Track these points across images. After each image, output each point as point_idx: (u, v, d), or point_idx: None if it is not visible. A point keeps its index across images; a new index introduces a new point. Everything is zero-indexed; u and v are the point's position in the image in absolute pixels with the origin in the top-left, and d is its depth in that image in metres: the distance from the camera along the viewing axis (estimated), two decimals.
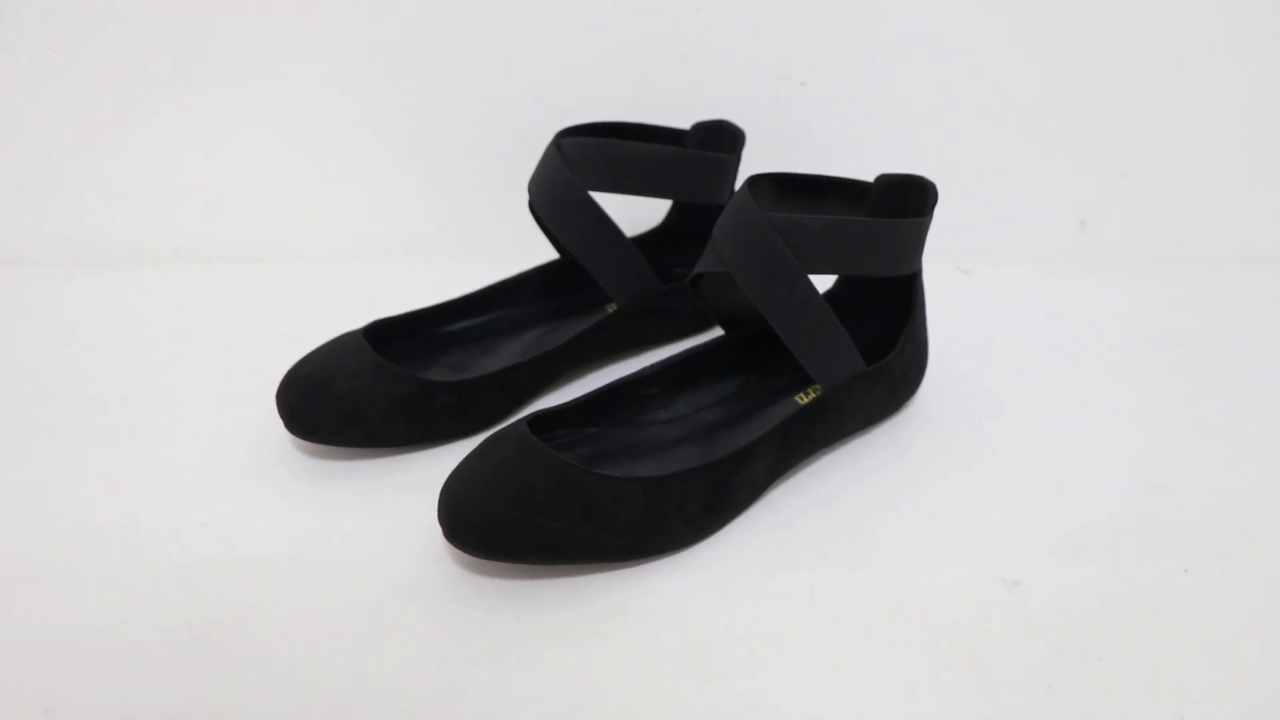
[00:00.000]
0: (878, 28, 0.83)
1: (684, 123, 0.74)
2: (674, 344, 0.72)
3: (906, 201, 0.58)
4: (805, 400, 0.60)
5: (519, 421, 0.52)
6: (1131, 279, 0.83)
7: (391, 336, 0.64)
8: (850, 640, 0.46)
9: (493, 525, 0.47)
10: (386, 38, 0.85)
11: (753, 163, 0.72)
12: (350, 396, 0.56)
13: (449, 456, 0.59)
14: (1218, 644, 0.46)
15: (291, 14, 0.84)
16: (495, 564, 0.50)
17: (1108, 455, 0.60)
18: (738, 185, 0.69)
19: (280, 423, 0.60)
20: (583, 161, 0.62)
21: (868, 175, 0.86)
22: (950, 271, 0.85)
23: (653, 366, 0.58)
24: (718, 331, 0.74)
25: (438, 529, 0.52)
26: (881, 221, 0.55)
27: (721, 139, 0.68)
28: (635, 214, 0.71)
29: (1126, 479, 0.58)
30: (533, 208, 0.68)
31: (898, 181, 0.59)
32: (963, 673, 0.45)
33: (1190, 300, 0.80)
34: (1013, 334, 0.75)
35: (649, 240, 0.75)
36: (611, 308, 0.71)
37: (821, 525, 0.54)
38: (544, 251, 0.80)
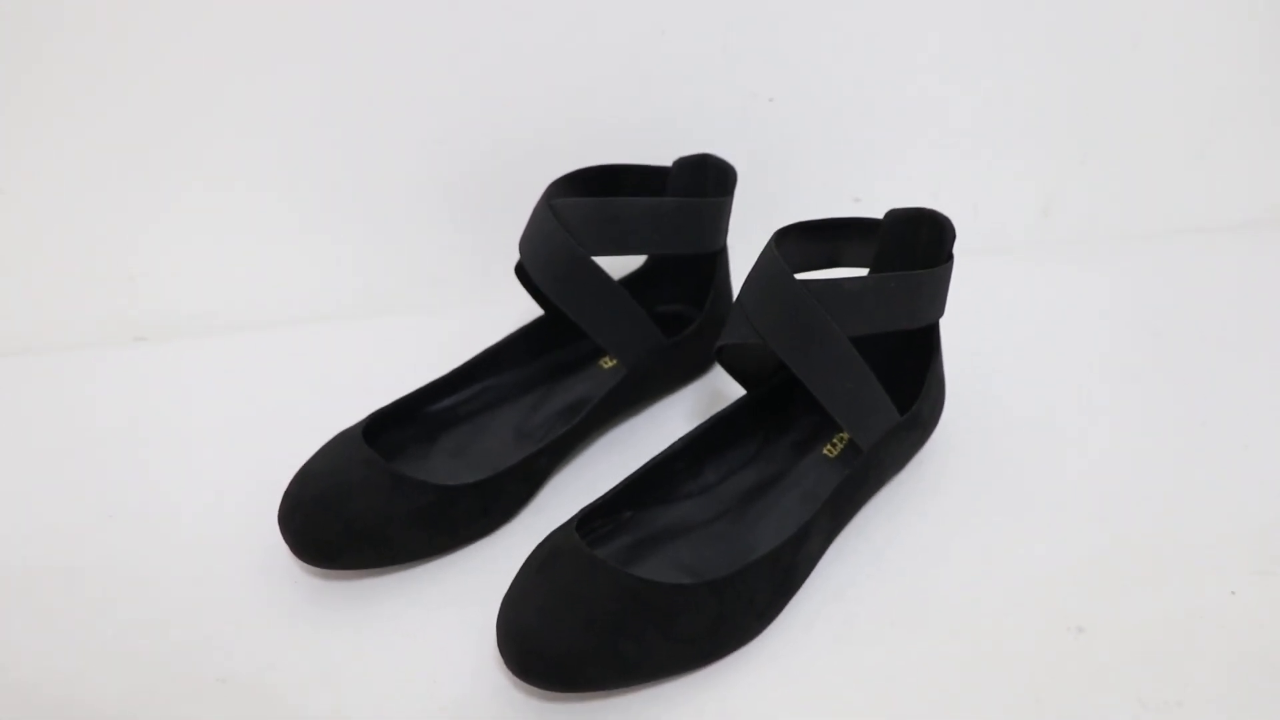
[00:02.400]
0: (840, 32, 0.80)
1: (651, 151, 0.71)
2: (676, 391, 0.69)
3: (918, 236, 0.57)
4: (833, 453, 0.59)
5: (567, 531, 0.48)
6: (1098, 264, 0.84)
7: (381, 428, 0.59)
8: (939, 714, 0.46)
9: (568, 658, 0.44)
10: (315, 75, 0.77)
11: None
12: (368, 517, 0.51)
13: (473, 560, 0.56)
14: None
15: (210, 49, 0.75)
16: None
17: (1123, 468, 0.61)
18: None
19: (279, 535, 0.54)
20: (581, 225, 0.57)
21: (840, 181, 0.85)
22: None
23: (678, 442, 0.55)
24: (715, 375, 0.71)
25: (488, 650, 0.49)
26: (915, 275, 0.53)
27: (707, 175, 0.64)
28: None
29: (1148, 493, 0.58)
30: (522, 271, 0.63)
31: (908, 216, 0.57)
32: None
33: (1157, 283, 0.82)
34: (997, 333, 0.75)
35: (631, 283, 0.71)
36: (606, 362, 0.67)
37: (878, 589, 0.53)
38: (491, 293, 0.76)
